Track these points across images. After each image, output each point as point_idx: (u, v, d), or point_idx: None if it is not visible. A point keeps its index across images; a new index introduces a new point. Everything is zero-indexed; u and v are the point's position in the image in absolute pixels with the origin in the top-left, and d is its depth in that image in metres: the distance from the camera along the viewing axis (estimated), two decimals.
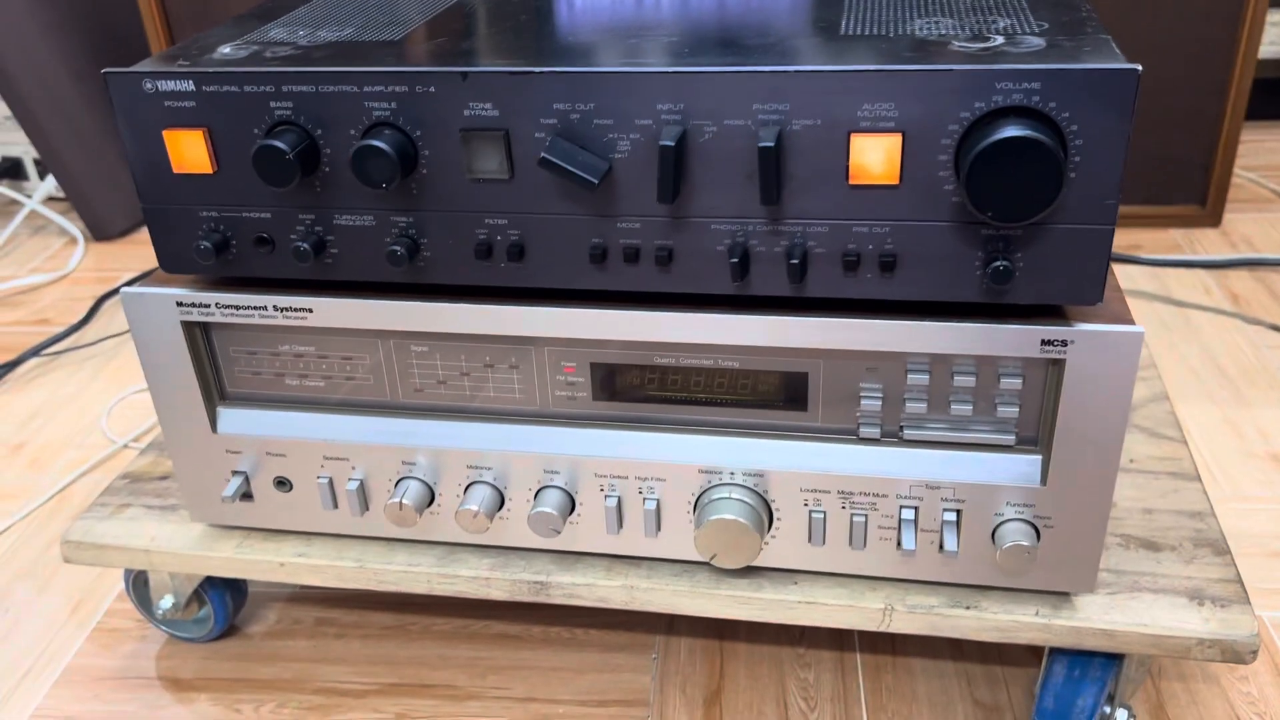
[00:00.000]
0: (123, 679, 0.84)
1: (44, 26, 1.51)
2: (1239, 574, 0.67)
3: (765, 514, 0.66)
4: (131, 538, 0.77)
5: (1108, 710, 0.69)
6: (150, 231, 0.65)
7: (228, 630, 0.87)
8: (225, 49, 0.64)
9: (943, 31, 0.58)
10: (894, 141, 0.53)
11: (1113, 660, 0.68)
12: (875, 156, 0.54)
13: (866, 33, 0.59)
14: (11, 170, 1.67)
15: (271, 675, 0.83)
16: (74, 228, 1.62)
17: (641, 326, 0.62)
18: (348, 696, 0.81)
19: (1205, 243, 1.40)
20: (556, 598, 0.71)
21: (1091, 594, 0.66)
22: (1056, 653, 0.68)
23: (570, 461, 0.67)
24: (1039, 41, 0.55)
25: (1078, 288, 0.55)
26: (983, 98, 0.52)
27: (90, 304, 1.40)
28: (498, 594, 0.72)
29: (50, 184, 1.63)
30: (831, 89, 0.53)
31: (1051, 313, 0.59)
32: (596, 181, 0.56)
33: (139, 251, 1.57)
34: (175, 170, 0.62)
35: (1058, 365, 0.58)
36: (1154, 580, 0.67)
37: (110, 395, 1.22)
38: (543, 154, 0.56)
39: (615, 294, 0.62)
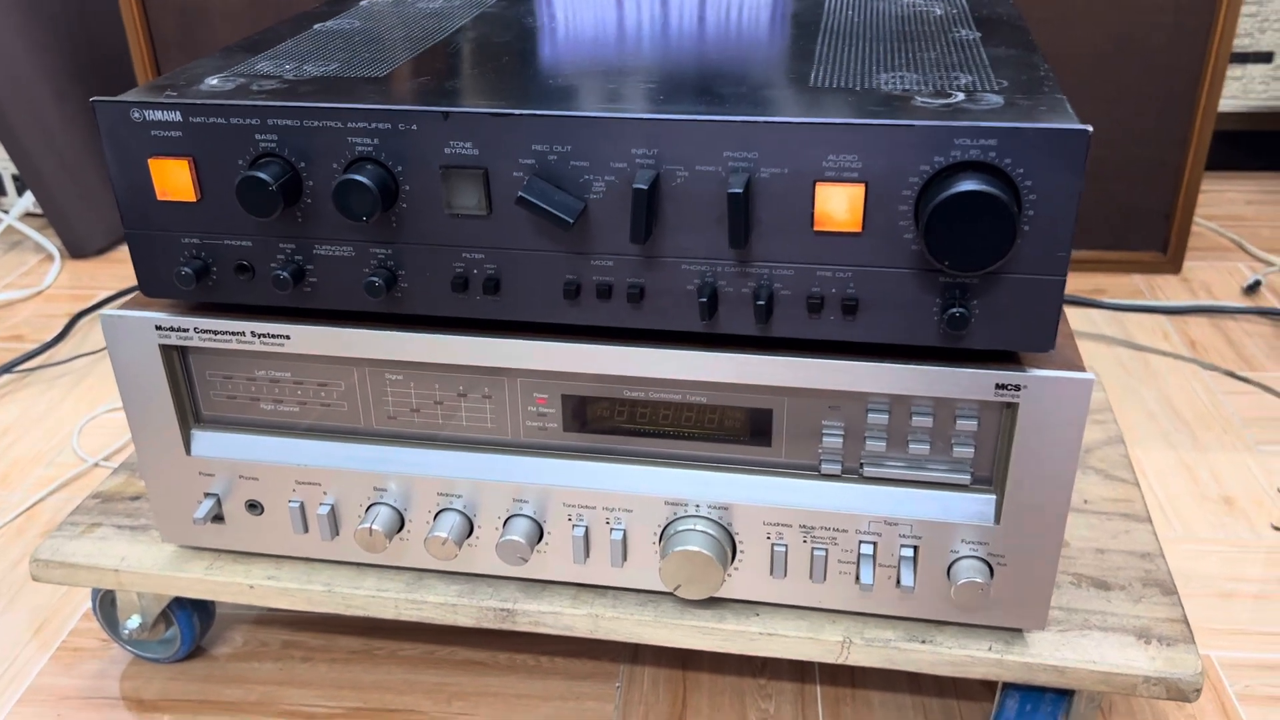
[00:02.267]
0: (86, 699, 0.85)
1: (30, 45, 1.52)
2: (1185, 614, 0.69)
3: (729, 546, 0.67)
4: (101, 557, 0.77)
5: None
6: (132, 256, 0.66)
7: (194, 651, 0.87)
8: (213, 80, 0.65)
9: (907, 86, 0.60)
10: (857, 191, 0.56)
11: (1063, 695, 0.70)
12: (839, 205, 0.56)
13: (834, 85, 0.62)
14: None
15: (236, 697, 0.84)
16: (51, 244, 1.62)
17: (612, 361, 0.64)
18: None
19: (1166, 289, 1.44)
20: (522, 625, 0.72)
21: (1043, 631, 0.68)
22: (1009, 688, 0.70)
23: (539, 491, 0.69)
24: (998, 99, 0.57)
25: (1030, 335, 0.58)
26: (942, 152, 0.54)
27: (64, 321, 1.40)
28: (464, 620, 0.73)
29: (28, 200, 1.63)
30: (799, 139, 0.55)
31: (1006, 357, 0.61)
32: (571, 221, 0.58)
33: (116, 270, 1.58)
34: (159, 197, 0.63)
35: (1011, 408, 0.61)
36: (1103, 619, 0.69)
37: (82, 413, 1.22)
38: (520, 193, 0.58)
39: (588, 328, 0.64)
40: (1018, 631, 0.68)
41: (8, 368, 1.28)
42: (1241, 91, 1.66)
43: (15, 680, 0.86)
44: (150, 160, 0.62)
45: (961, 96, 0.58)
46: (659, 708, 0.81)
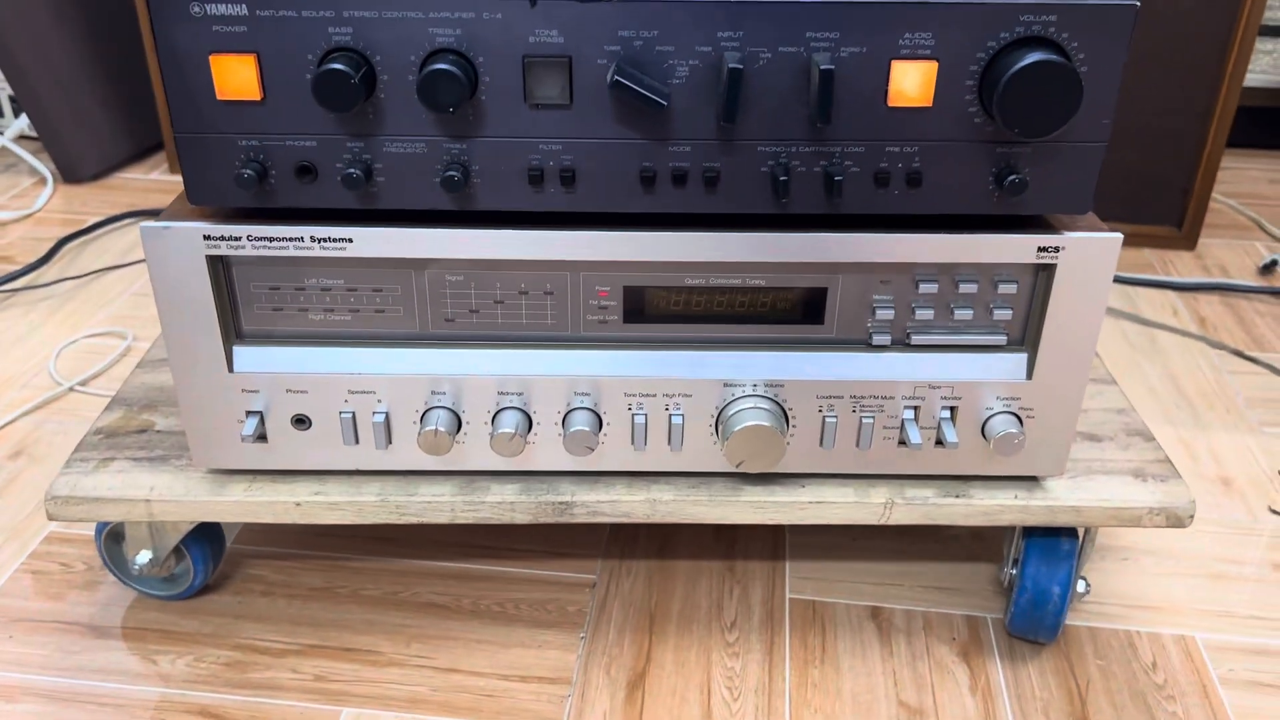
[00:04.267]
0: (40, 621, 0.82)
1: None
2: (1168, 455, 0.79)
3: (785, 422, 0.72)
4: (127, 489, 0.74)
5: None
6: (181, 161, 0.64)
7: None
8: None
9: None
10: (930, 67, 0.60)
11: (1074, 539, 0.78)
12: (912, 81, 0.61)
13: None
14: None
15: (192, 629, 0.82)
16: (44, 168, 1.55)
17: (683, 247, 0.66)
18: (266, 655, 0.80)
19: (1178, 264, 1.40)
20: (580, 516, 0.75)
21: (1057, 479, 0.76)
22: (1031, 538, 0.78)
23: (600, 383, 0.71)
24: None
25: (1073, 197, 0.64)
26: (1008, 28, 0.60)
27: (53, 245, 1.35)
28: (521, 517, 0.74)
29: (23, 122, 1.57)
30: (878, 19, 0.59)
31: (1033, 225, 0.67)
32: (665, 103, 0.60)
33: (109, 195, 1.52)
34: (219, 97, 0.62)
35: (1048, 270, 0.67)
36: (1102, 464, 0.78)
37: (62, 338, 1.17)
38: (615, 77, 0.60)
39: (658, 216, 0.67)
40: (1035, 481, 0.76)
41: None
42: (1271, 66, 1.57)
43: None
44: (212, 57, 0.60)
45: None
46: (622, 660, 0.80)
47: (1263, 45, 1.59)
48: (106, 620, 0.82)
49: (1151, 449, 0.79)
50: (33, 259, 1.34)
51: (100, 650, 0.80)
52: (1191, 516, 0.75)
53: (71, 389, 1.09)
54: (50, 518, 0.74)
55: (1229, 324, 1.27)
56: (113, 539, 0.81)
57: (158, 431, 0.80)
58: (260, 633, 0.82)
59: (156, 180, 1.60)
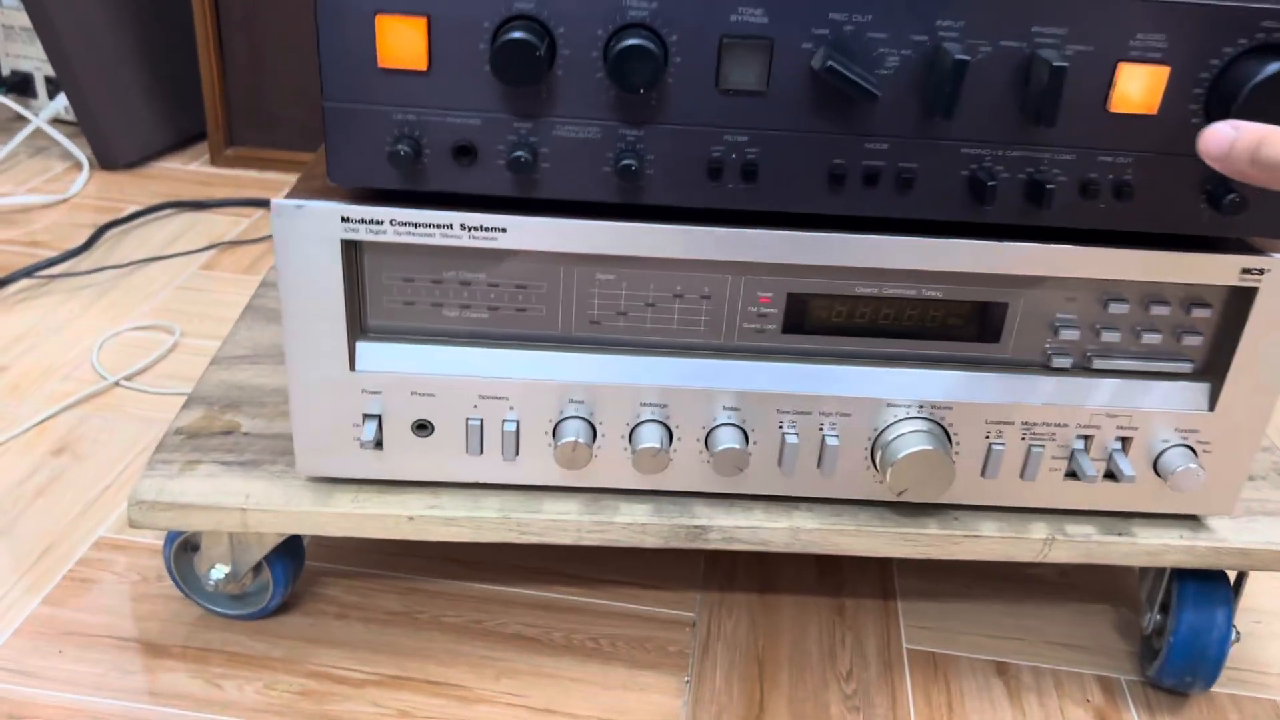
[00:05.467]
0: (91, 636, 0.75)
1: None
2: None
3: (949, 447, 0.66)
4: (220, 496, 0.67)
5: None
6: (327, 134, 0.57)
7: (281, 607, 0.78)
8: None
9: None
10: (1161, 72, 0.56)
11: (1228, 582, 0.73)
12: (1139, 85, 0.56)
13: None
14: (20, 85, 1.55)
15: (261, 651, 0.75)
16: (80, 152, 1.47)
17: (868, 251, 0.61)
18: (344, 685, 0.73)
19: None
20: (715, 543, 0.69)
21: (1220, 519, 0.71)
22: (1185, 580, 0.73)
23: (752, 397, 0.65)
24: None
25: None
26: (1247, 34, 0.55)
27: (89, 232, 1.27)
28: (653, 541, 0.68)
29: (59, 104, 1.50)
30: (1110, 16, 0.55)
31: (1235, 246, 0.63)
32: (879, 94, 0.55)
33: (146, 184, 1.44)
34: (380, 64, 0.55)
35: (1248, 294, 0.63)
36: (1262, 505, 0.74)
37: (103, 329, 1.10)
38: (829, 63, 0.54)
39: (839, 218, 0.61)
40: (1195, 520, 0.71)
41: (27, 272, 1.16)
42: None
43: (14, 608, 0.76)
44: (379, 17, 0.54)
45: None
46: (733, 709, 0.73)
47: None
48: (166, 638, 0.75)
49: None
50: (66, 245, 1.26)
51: (160, 671, 0.72)
52: None
53: (117, 384, 1.01)
54: (132, 525, 0.67)
55: None
56: (188, 550, 0.74)
57: (245, 434, 0.73)
58: (337, 659, 0.75)
59: (195, 171, 1.52)
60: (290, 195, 0.60)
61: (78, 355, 1.06)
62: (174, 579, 0.75)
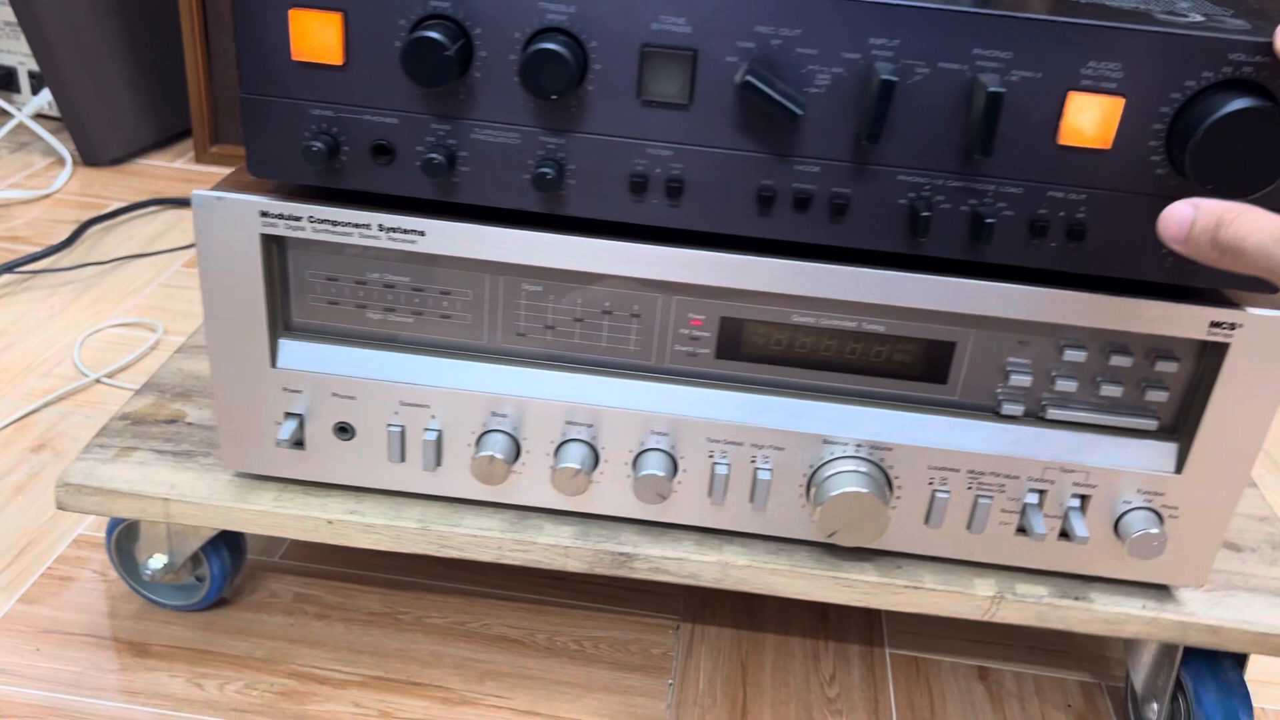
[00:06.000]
0: (70, 634, 0.74)
1: None
2: None
3: (887, 491, 0.63)
4: (146, 484, 0.67)
5: None
6: (245, 126, 0.57)
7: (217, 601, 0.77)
8: None
9: (1135, 4, 0.57)
10: (1115, 104, 0.52)
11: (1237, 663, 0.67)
12: (1092, 117, 0.52)
13: None
14: (4, 80, 1.55)
15: (242, 651, 0.74)
16: (63, 148, 1.49)
17: (798, 278, 0.58)
18: (326, 685, 0.72)
19: None
20: (641, 571, 0.66)
21: (1192, 590, 0.66)
22: (1192, 663, 0.67)
23: (682, 423, 0.62)
24: (1241, 22, 0.54)
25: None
26: (1212, 68, 0.51)
27: (72, 228, 1.28)
28: (576, 565, 0.66)
29: (43, 99, 1.51)
30: (1060, 41, 0.51)
31: (1208, 297, 0.58)
32: (801, 112, 0.52)
33: (130, 181, 1.45)
34: (294, 57, 0.54)
35: (1218, 349, 0.58)
36: (1244, 579, 0.68)
37: (85, 325, 1.10)
38: (747, 78, 0.51)
39: (771, 243, 0.58)
40: (1165, 589, 0.66)
41: (9, 268, 1.16)
42: None
43: None
44: (291, 10, 0.53)
45: (1200, 17, 0.55)
46: (716, 713, 0.72)
47: None
48: (145, 636, 0.74)
49: None
50: (48, 241, 1.26)
51: (139, 670, 0.72)
52: None
53: (98, 380, 1.01)
54: (60, 507, 0.67)
55: None
56: (128, 538, 0.74)
57: (188, 424, 0.73)
58: (318, 660, 0.74)
59: (180, 169, 1.52)
60: (216, 187, 0.60)
61: (59, 352, 1.07)
62: (115, 567, 0.75)
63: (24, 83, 1.57)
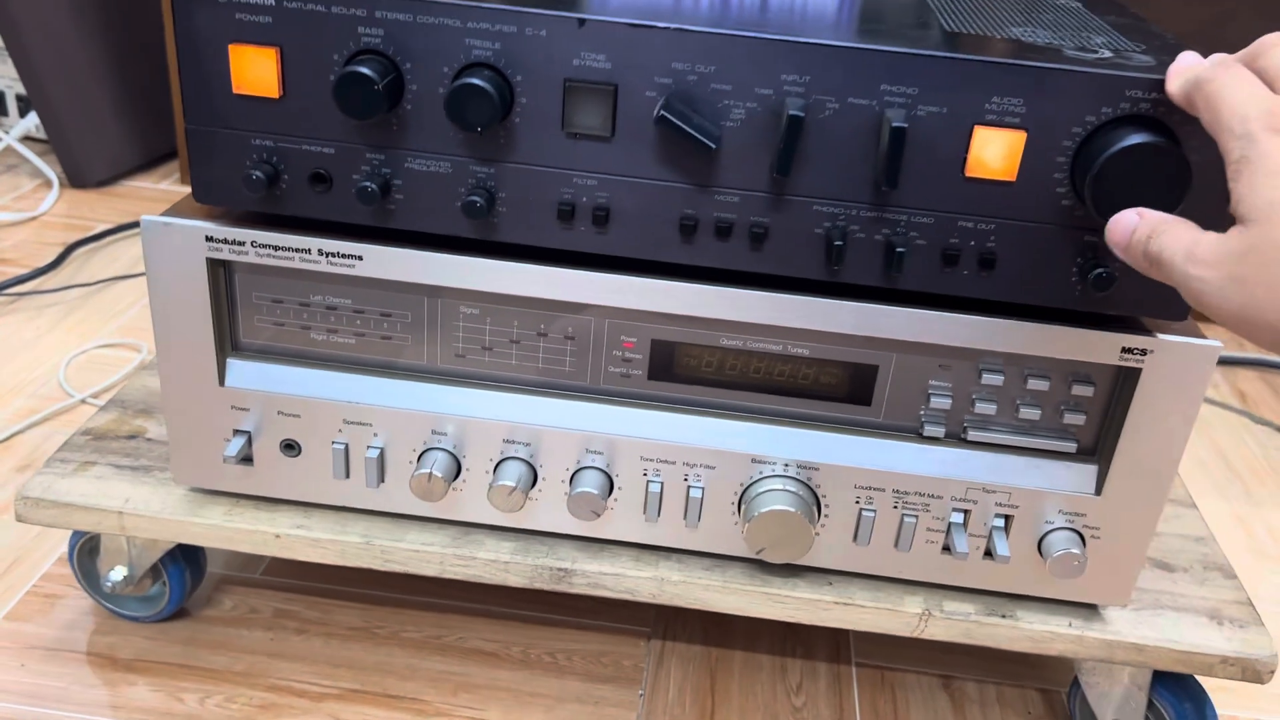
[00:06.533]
0: (54, 650, 0.76)
1: None
2: (1250, 598, 0.70)
3: (815, 509, 0.64)
4: (101, 498, 0.69)
5: None
6: (190, 156, 0.59)
7: (176, 613, 0.79)
8: None
9: (1048, 40, 0.58)
10: (1018, 138, 0.53)
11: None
12: (996, 151, 0.54)
13: (972, 33, 0.59)
14: None
15: (221, 665, 0.76)
16: (50, 170, 1.51)
17: (721, 304, 0.60)
18: (304, 698, 0.74)
19: (1216, 338, 1.35)
20: (579, 587, 0.68)
21: (1118, 609, 0.67)
22: (1165, 684, 0.69)
23: (616, 442, 0.64)
24: (1148, 59, 0.56)
25: (1168, 301, 0.57)
26: (1111, 103, 0.52)
27: (58, 250, 1.30)
28: (516, 580, 0.68)
29: (30, 122, 1.53)
30: (965, 78, 0.53)
31: (1125, 322, 0.60)
32: (715, 145, 0.54)
33: (116, 203, 1.47)
34: (235, 90, 0.57)
35: (1132, 374, 0.59)
36: (1173, 599, 0.69)
37: (71, 346, 1.12)
38: (661, 112, 0.53)
39: (696, 269, 0.60)
40: (1093, 609, 0.67)
41: None
42: None
43: None
44: (231, 46, 0.56)
45: (1110, 54, 0.56)
46: None
47: None
48: (128, 652, 0.76)
49: (1232, 588, 0.70)
50: (35, 263, 1.28)
51: (122, 684, 0.74)
52: (1272, 672, 0.65)
53: (83, 401, 1.03)
54: (18, 519, 0.70)
55: (1269, 400, 1.26)
56: (89, 552, 0.76)
57: (148, 439, 0.75)
58: (296, 673, 0.76)
59: (166, 190, 1.54)
60: (165, 213, 0.62)
61: (45, 372, 1.09)
62: (78, 579, 0.77)
63: (11, 106, 1.59)
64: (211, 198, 0.60)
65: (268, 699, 0.74)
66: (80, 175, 1.50)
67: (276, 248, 0.61)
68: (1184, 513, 0.78)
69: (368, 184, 0.58)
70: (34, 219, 1.42)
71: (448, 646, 0.79)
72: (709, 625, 0.83)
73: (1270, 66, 0.45)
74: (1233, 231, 0.43)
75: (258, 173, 0.58)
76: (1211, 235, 0.44)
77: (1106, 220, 0.52)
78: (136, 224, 1.38)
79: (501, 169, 0.58)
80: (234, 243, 0.61)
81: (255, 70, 0.56)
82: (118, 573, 0.75)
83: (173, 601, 0.77)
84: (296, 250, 0.61)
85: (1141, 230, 0.47)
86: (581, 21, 0.54)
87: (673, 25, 0.53)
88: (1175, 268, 0.45)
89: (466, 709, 0.74)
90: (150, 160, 1.59)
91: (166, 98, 1.51)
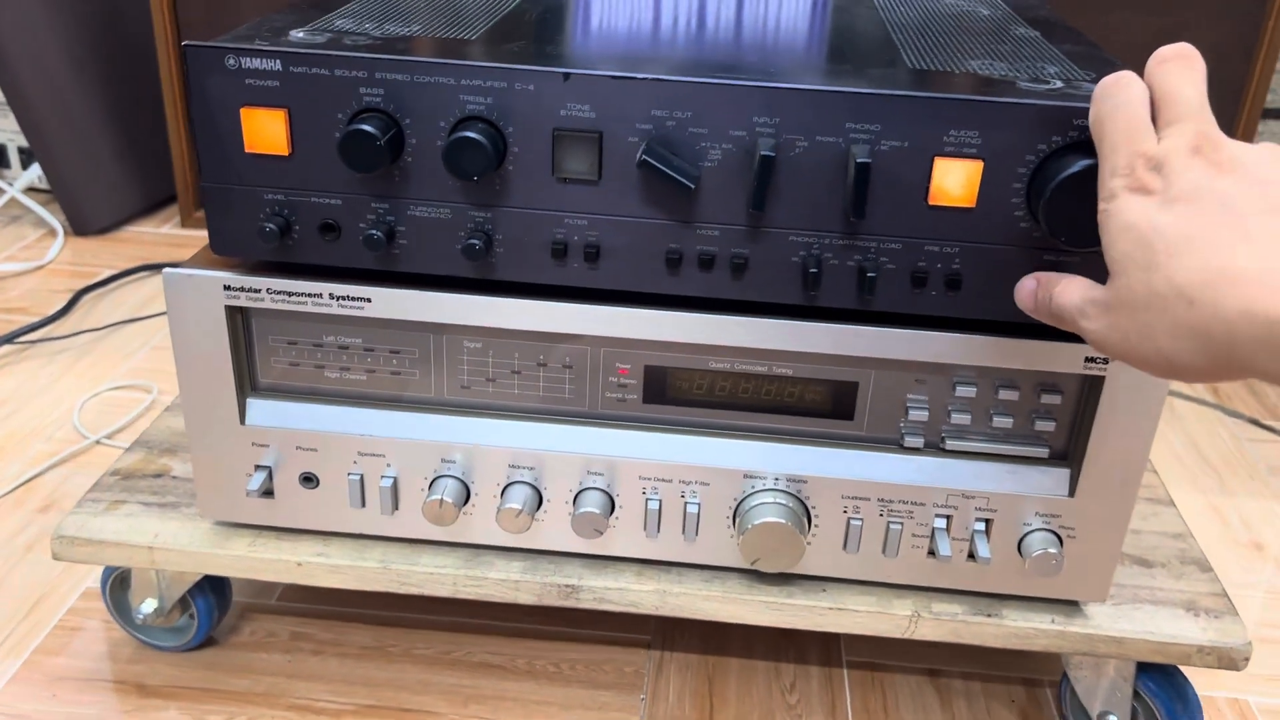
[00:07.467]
0: (84, 680, 0.80)
1: (49, 10, 1.45)
2: (1224, 589, 0.73)
3: (806, 520, 0.68)
4: (131, 534, 0.73)
5: None
6: (207, 211, 0.63)
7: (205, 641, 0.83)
8: (298, 33, 0.63)
9: (1004, 73, 0.62)
10: (975, 167, 0.57)
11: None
12: (956, 180, 0.58)
13: (932, 68, 0.63)
14: None
15: (243, 688, 0.80)
16: (54, 219, 1.55)
17: (708, 330, 0.64)
18: (323, 715, 0.78)
19: None
20: (586, 602, 0.72)
21: (1099, 605, 0.71)
22: (1149, 676, 0.72)
23: (615, 464, 0.68)
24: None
25: None
26: (1061, 132, 0.56)
27: (67, 297, 1.34)
28: (526, 598, 0.72)
29: (33, 173, 1.57)
30: (923, 114, 0.57)
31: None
32: (693, 185, 0.58)
33: (119, 249, 1.51)
34: (247, 149, 0.61)
35: (1097, 382, 0.63)
36: (1151, 593, 0.72)
37: (83, 390, 1.16)
38: (643, 156, 0.58)
39: (683, 299, 0.64)
40: (1075, 605, 0.71)
41: (8, 339, 1.22)
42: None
43: (9, 656, 0.81)
44: (243, 110, 0.60)
45: (1061, 84, 0.60)
46: None
47: (1266, 127, 1.65)
48: (154, 679, 0.80)
49: (1208, 580, 0.74)
50: (43, 311, 1.32)
51: (150, 710, 0.78)
52: (1246, 659, 0.69)
53: (98, 442, 1.07)
54: (55, 558, 0.74)
55: (1241, 393, 1.28)
56: (121, 585, 0.80)
57: (174, 477, 0.79)
58: (314, 692, 0.80)
59: (167, 234, 1.57)
60: (184, 264, 0.66)
61: (60, 416, 1.12)
62: (111, 612, 0.81)
63: (14, 159, 1.61)
64: (229, 249, 0.64)
65: (288, 717, 0.78)
66: (83, 223, 1.53)
67: (290, 293, 0.65)
68: (1162, 510, 0.81)
69: (374, 232, 0.62)
70: (41, 268, 1.45)
71: (457, 661, 0.83)
72: (706, 633, 0.87)
73: (1153, 85, 0.50)
74: (1107, 284, 0.48)
75: (271, 225, 0.62)
76: (1096, 289, 0.50)
77: (1060, 240, 0.56)
78: (141, 268, 1.43)
79: (498, 213, 0.62)
80: (251, 290, 0.65)
81: (266, 131, 0.60)
82: (148, 605, 0.79)
83: (200, 631, 0.81)
84: (309, 295, 0.65)
85: (1041, 293, 0.54)
86: (566, 76, 0.58)
87: (651, 76, 0.58)
88: (1074, 322, 0.51)
89: (477, 719, 0.78)
90: (150, 204, 1.63)
91: (164, 143, 1.54)
